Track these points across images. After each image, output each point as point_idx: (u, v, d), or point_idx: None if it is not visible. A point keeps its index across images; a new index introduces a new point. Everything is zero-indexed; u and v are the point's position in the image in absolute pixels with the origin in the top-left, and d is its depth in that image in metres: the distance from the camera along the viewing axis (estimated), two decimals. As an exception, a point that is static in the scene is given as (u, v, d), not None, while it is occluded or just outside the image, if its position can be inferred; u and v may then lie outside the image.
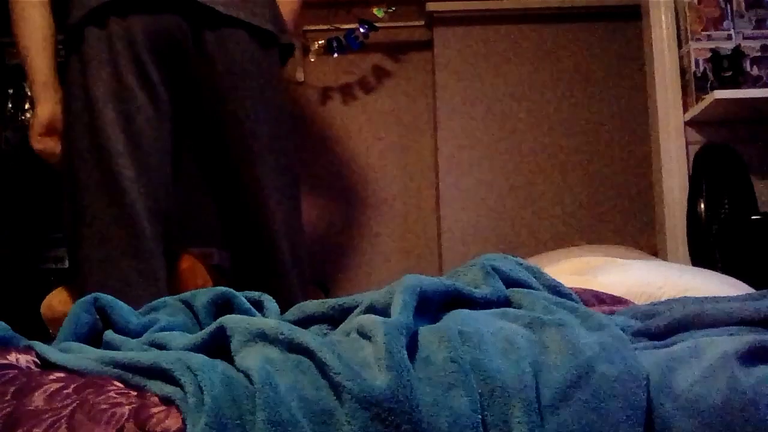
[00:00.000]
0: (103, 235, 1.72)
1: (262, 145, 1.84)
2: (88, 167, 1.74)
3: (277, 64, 1.94)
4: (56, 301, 1.87)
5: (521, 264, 1.20)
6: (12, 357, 0.93)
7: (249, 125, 1.83)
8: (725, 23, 2.42)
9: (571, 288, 1.19)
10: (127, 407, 0.82)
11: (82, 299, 1.11)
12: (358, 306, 1.04)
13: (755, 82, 2.36)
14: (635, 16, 2.71)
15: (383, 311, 0.96)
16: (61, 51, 1.87)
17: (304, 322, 1.07)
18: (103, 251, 1.72)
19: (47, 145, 1.87)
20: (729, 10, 2.43)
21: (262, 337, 0.90)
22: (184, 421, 0.80)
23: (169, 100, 1.80)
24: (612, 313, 1.19)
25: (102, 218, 1.72)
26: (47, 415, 0.80)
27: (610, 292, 1.40)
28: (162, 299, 1.23)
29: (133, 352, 0.97)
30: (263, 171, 1.84)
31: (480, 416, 0.81)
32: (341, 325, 1.03)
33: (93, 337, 1.08)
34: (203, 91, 1.83)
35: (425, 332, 0.91)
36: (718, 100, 2.25)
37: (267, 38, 1.88)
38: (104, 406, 0.81)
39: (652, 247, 2.60)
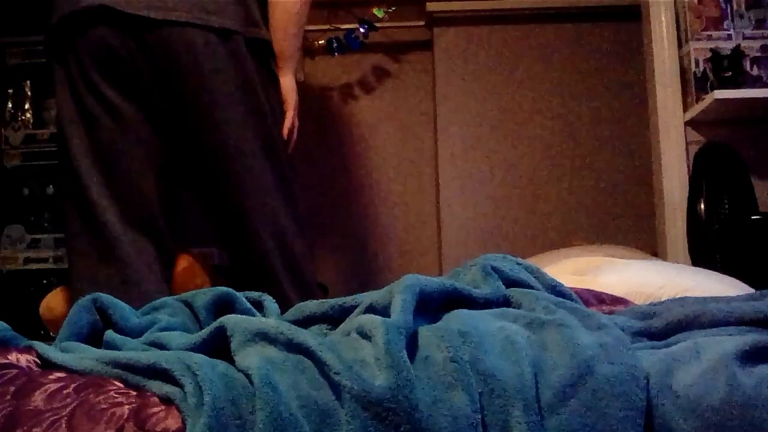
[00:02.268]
0: (82, 248, 1.79)
1: (247, 148, 1.81)
2: (64, 184, 1.84)
3: (249, 59, 1.84)
4: (55, 301, 1.87)
5: (521, 264, 1.20)
6: (12, 357, 0.94)
7: (228, 130, 1.80)
8: (725, 23, 2.42)
9: (570, 288, 1.19)
10: (126, 407, 0.82)
11: (82, 299, 1.11)
12: (358, 306, 1.04)
13: (755, 82, 2.36)
14: (635, 16, 2.71)
15: (383, 311, 0.96)
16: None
17: (304, 322, 1.07)
18: (83, 262, 1.78)
19: None
20: (729, 10, 2.43)
21: (262, 336, 0.90)
22: (183, 420, 0.80)
23: (136, 109, 1.80)
24: (612, 313, 1.19)
25: (78, 231, 1.79)
26: (47, 415, 0.80)
27: (610, 292, 1.40)
28: (162, 299, 1.23)
29: (133, 352, 0.97)
30: (250, 173, 1.82)
31: (479, 416, 0.81)
32: (341, 325, 1.03)
33: (93, 337, 1.08)
34: (172, 100, 1.80)
35: (425, 332, 0.91)
36: (718, 100, 2.25)
37: (225, 34, 1.80)
38: (104, 406, 0.81)
39: (651, 247, 2.60)
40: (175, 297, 1.23)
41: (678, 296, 1.41)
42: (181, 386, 0.83)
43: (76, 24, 1.78)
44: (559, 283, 1.18)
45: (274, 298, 1.23)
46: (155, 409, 0.82)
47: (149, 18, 1.76)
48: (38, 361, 0.96)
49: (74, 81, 1.79)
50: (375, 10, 2.99)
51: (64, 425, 0.79)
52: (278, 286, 1.82)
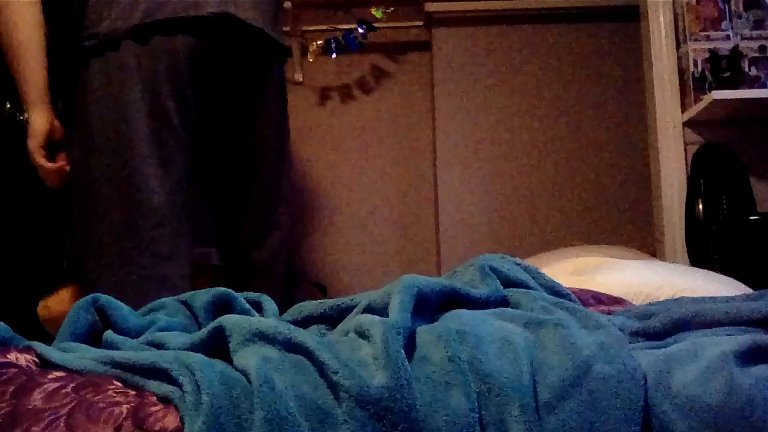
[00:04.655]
0: (124, 259, 1.66)
1: (273, 152, 1.89)
2: (111, 182, 1.69)
3: (281, 67, 1.96)
4: (53, 302, 1.87)
5: (519, 264, 1.20)
6: (12, 356, 0.94)
7: (273, 142, 1.89)
8: (723, 24, 2.42)
9: (569, 288, 1.20)
10: (125, 406, 0.82)
11: (82, 299, 1.11)
12: (356, 306, 1.04)
13: (753, 83, 2.36)
14: (634, 17, 2.71)
15: (381, 311, 0.96)
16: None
17: (303, 322, 1.07)
18: (122, 273, 1.66)
19: (51, 164, 1.78)
20: (727, 11, 2.43)
21: (261, 336, 0.91)
22: (182, 420, 0.80)
23: (197, 120, 1.77)
24: (610, 313, 1.19)
25: (121, 244, 1.67)
26: (46, 414, 0.80)
27: (608, 293, 1.40)
28: (161, 300, 1.23)
29: (132, 351, 0.97)
30: (271, 176, 1.89)
31: (477, 415, 0.81)
32: (339, 325, 1.03)
33: (92, 337, 1.09)
34: (225, 106, 1.83)
35: (423, 332, 0.91)
36: (716, 101, 2.25)
37: (276, 45, 1.89)
38: (103, 405, 0.82)
39: (650, 247, 2.60)
40: (174, 297, 1.23)
41: (676, 296, 1.41)
42: (179, 386, 0.83)
43: (182, 25, 1.71)
44: (558, 283, 1.18)
45: (275, 299, 1.23)
46: (154, 409, 0.82)
47: (265, 33, 1.81)
48: (37, 361, 0.96)
49: (158, 78, 1.69)
50: (374, 11, 3.00)
51: (62, 424, 0.79)
52: (280, 288, 1.84)
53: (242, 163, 1.87)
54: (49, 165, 1.78)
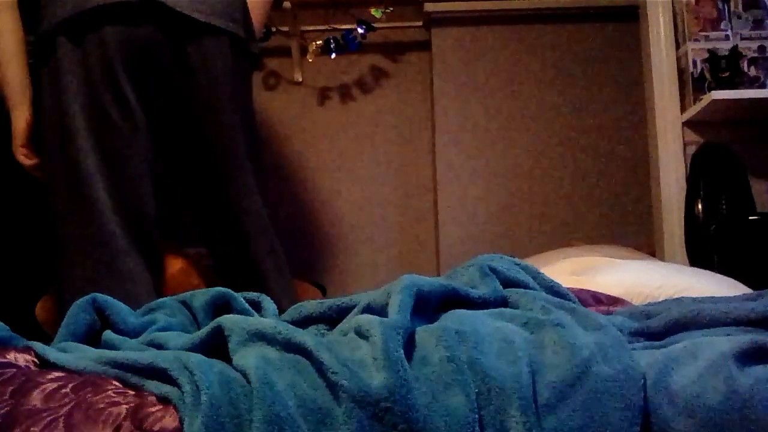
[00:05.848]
0: (80, 258, 1.70)
1: (241, 152, 1.86)
2: (61, 184, 1.73)
3: (248, 71, 1.95)
4: (51, 302, 1.87)
5: (518, 264, 1.20)
6: (11, 356, 0.94)
7: (229, 133, 1.84)
8: (723, 24, 2.42)
9: (568, 288, 1.20)
10: (124, 406, 0.82)
11: (81, 300, 1.11)
12: (355, 306, 1.04)
13: (752, 83, 2.36)
14: (633, 17, 2.71)
15: (380, 311, 0.96)
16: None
17: (302, 322, 1.07)
18: (80, 273, 1.69)
19: (31, 161, 1.86)
20: (726, 11, 2.43)
21: (260, 336, 0.91)
22: (181, 420, 0.80)
23: (144, 113, 1.76)
24: (609, 313, 1.19)
25: (77, 239, 1.71)
26: (45, 414, 0.80)
27: (607, 292, 1.41)
28: (161, 300, 1.23)
29: (131, 351, 0.97)
30: (242, 175, 1.86)
31: (477, 415, 0.81)
32: (339, 325, 1.03)
33: (92, 337, 1.09)
34: (182, 102, 1.81)
35: (422, 332, 0.91)
36: (715, 101, 2.26)
37: (242, 46, 1.88)
38: (102, 406, 0.82)
39: (649, 247, 2.60)
40: (173, 297, 1.23)
41: (675, 296, 1.42)
42: (178, 386, 0.83)
43: (110, 15, 1.71)
44: (557, 283, 1.18)
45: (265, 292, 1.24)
46: (153, 409, 0.82)
47: (194, 20, 1.77)
48: (36, 361, 0.96)
49: (91, 73, 1.71)
50: (373, 11, 2.99)
51: (61, 424, 0.79)
52: (266, 284, 1.84)
53: (203, 155, 1.85)
54: (29, 162, 1.86)
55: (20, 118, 1.83)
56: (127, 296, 1.64)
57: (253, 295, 1.21)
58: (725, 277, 1.79)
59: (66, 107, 1.71)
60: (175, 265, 1.89)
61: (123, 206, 1.72)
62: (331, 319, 1.07)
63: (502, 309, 1.05)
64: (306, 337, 0.88)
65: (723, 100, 2.26)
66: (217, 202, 1.87)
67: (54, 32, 1.72)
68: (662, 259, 2.44)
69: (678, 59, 2.48)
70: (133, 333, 1.09)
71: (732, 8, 2.43)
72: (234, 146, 1.84)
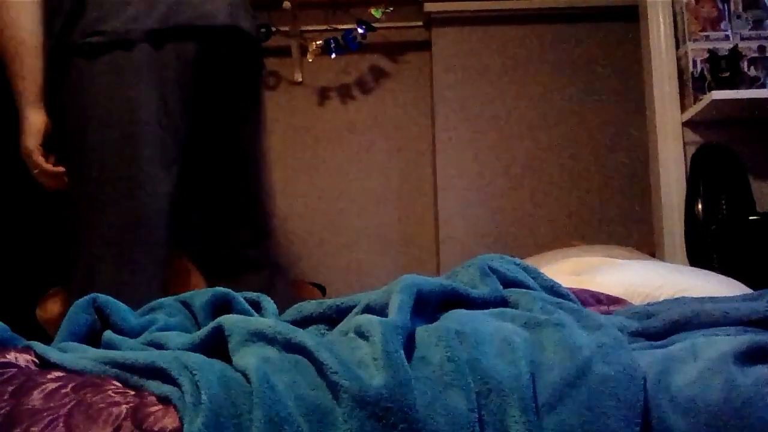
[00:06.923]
0: (124, 259, 1.68)
1: (259, 152, 1.95)
2: (114, 181, 1.69)
3: (260, 72, 2.01)
4: (51, 302, 1.87)
5: (519, 264, 1.20)
6: (11, 356, 0.94)
7: (254, 136, 1.94)
8: (723, 24, 2.42)
9: (568, 288, 1.20)
10: (124, 406, 0.82)
11: (81, 300, 1.11)
12: (355, 306, 1.04)
13: (752, 83, 2.36)
14: (633, 17, 2.72)
15: (381, 311, 0.96)
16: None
17: (302, 322, 1.07)
18: (122, 273, 1.67)
19: (48, 165, 1.76)
20: (726, 11, 2.43)
21: (260, 336, 0.91)
22: (181, 420, 0.80)
23: (195, 125, 1.80)
24: (609, 313, 1.19)
25: (124, 244, 1.68)
26: (45, 414, 0.80)
27: (607, 293, 1.40)
28: (160, 300, 1.23)
29: (131, 351, 0.97)
30: (255, 175, 1.95)
31: (477, 415, 0.81)
32: (339, 325, 1.03)
33: (92, 337, 1.09)
34: (218, 111, 1.85)
35: (422, 332, 0.91)
36: (715, 101, 2.26)
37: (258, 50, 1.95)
38: (102, 405, 0.82)
39: (649, 247, 2.60)
40: (174, 297, 1.23)
41: (675, 296, 1.41)
42: (178, 386, 0.83)
43: (195, 33, 1.75)
44: (557, 283, 1.18)
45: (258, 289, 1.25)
46: (153, 409, 0.82)
47: (254, 38, 1.87)
48: (36, 361, 0.96)
49: (167, 80, 1.71)
50: (373, 11, 3.00)
51: (61, 424, 0.79)
52: (270, 282, 1.86)
53: (233, 165, 1.90)
54: (47, 165, 1.77)
55: (38, 116, 1.74)
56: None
57: (253, 295, 1.21)
58: (725, 277, 1.78)
59: (136, 110, 1.69)
60: (174, 266, 1.89)
61: (174, 216, 1.75)
62: (331, 319, 1.07)
63: (503, 309, 1.05)
64: (306, 337, 0.88)
65: (723, 100, 2.26)
66: (236, 203, 1.91)
67: (136, 38, 1.70)
68: (662, 259, 2.44)
69: (678, 59, 2.49)
70: (133, 333, 1.09)
71: (732, 8, 2.43)
72: (258, 154, 1.94)
